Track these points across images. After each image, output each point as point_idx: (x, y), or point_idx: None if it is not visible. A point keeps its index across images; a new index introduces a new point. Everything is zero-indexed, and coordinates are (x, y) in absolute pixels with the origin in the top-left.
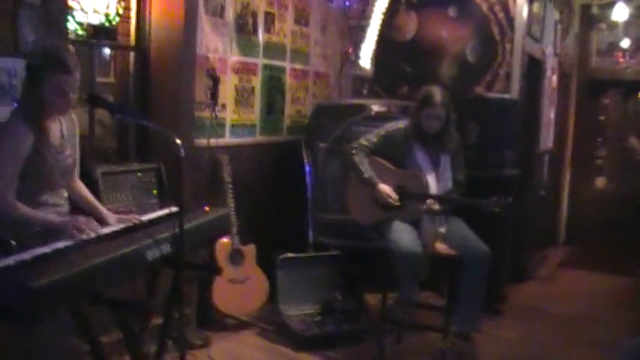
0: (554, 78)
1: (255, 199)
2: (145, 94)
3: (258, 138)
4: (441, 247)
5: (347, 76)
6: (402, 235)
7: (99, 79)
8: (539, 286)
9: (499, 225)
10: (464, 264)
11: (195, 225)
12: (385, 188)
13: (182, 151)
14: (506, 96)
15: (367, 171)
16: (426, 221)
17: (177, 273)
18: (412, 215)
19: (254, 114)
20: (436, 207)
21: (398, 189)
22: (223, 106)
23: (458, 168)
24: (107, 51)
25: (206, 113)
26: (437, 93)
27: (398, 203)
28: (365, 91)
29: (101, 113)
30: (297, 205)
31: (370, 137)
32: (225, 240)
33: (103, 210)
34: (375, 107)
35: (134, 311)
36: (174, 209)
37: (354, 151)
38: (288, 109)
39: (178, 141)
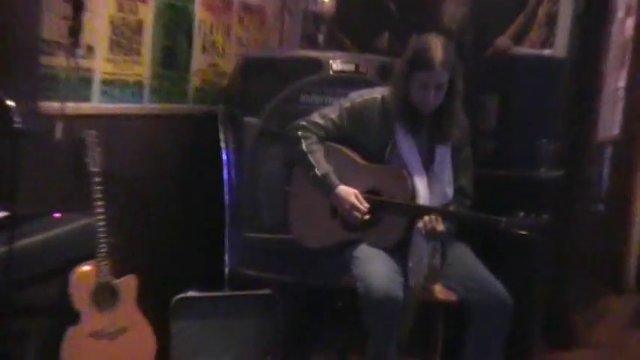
0: (630, 23)
1: (140, 203)
2: None
3: (148, 106)
4: (435, 288)
5: (294, 14)
6: (375, 267)
7: None
8: (593, 356)
9: (527, 257)
10: (470, 315)
11: (39, 241)
12: (348, 193)
13: (18, 119)
14: (548, 52)
15: (321, 165)
16: (417, 247)
17: (3, 319)
18: (391, 237)
19: (141, 66)
20: (440, 227)
21: (368, 194)
22: (90, 49)
23: (464, 167)
24: None
25: (61, 60)
26: (437, 47)
27: (366, 217)
28: (321, 39)
29: None
30: (207, 215)
31: (328, 112)
32: (86, 268)
33: None
34: (337, 64)
35: None
36: (1, 215)
37: (301, 134)
38: (198, 62)
39: (11, 103)
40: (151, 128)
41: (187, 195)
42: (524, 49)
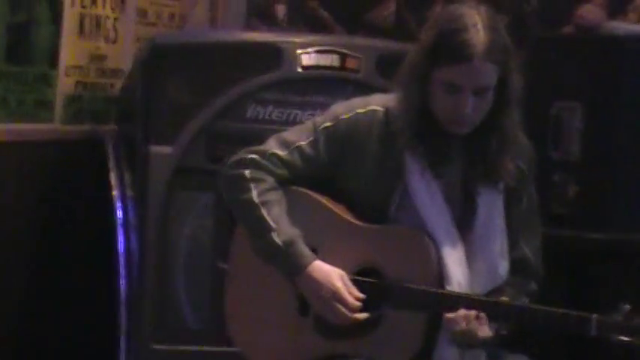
0: None
1: None
2: None
3: None
4: None
5: None
6: None
7: None
8: None
9: None
10: None
11: None
12: (328, 275)
13: None
14: None
15: (283, 227)
16: None
17: None
18: (400, 349)
19: None
20: (484, 331)
21: (362, 277)
22: None
23: (527, 225)
24: None
25: None
26: (476, 24)
27: (360, 316)
28: (283, 12)
29: None
30: (89, 312)
31: (294, 138)
32: None
33: None
34: (309, 56)
35: None
36: None
37: (249, 174)
38: (72, 51)
39: None
40: None
41: (53, 278)
42: (628, 25)
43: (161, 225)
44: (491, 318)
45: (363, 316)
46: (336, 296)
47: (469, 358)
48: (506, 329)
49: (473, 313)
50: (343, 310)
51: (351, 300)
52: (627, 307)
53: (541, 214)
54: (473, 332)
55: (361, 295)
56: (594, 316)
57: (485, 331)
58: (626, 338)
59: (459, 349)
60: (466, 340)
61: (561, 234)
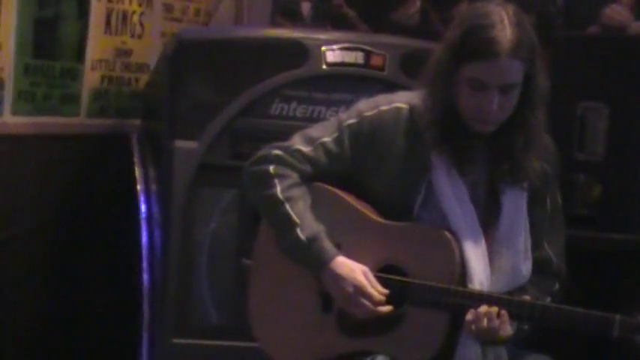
0: None
1: None
2: None
3: (9, 119)
4: None
5: None
6: None
7: None
8: None
9: None
10: None
11: None
12: (352, 270)
13: None
14: None
15: (307, 222)
16: None
17: None
18: (423, 347)
19: None
20: (506, 330)
21: (384, 273)
22: None
23: (550, 226)
24: None
25: None
26: (502, 22)
27: (384, 309)
28: (307, 10)
29: None
30: (111, 306)
31: (319, 134)
32: None
33: None
34: (334, 53)
35: None
36: None
37: (273, 169)
38: (98, 46)
39: None
40: (14, 157)
41: (77, 272)
42: None
43: (185, 220)
44: (513, 316)
45: (387, 309)
46: (360, 290)
47: (491, 357)
48: (529, 329)
49: (495, 310)
50: (367, 303)
51: (375, 294)
52: None
53: (565, 215)
54: (494, 330)
55: (384, 290)
56: (617, 316)
57: (506, 329)
58: None
59: (481, 347)
60: (488, 338)
61: (584, 235)
